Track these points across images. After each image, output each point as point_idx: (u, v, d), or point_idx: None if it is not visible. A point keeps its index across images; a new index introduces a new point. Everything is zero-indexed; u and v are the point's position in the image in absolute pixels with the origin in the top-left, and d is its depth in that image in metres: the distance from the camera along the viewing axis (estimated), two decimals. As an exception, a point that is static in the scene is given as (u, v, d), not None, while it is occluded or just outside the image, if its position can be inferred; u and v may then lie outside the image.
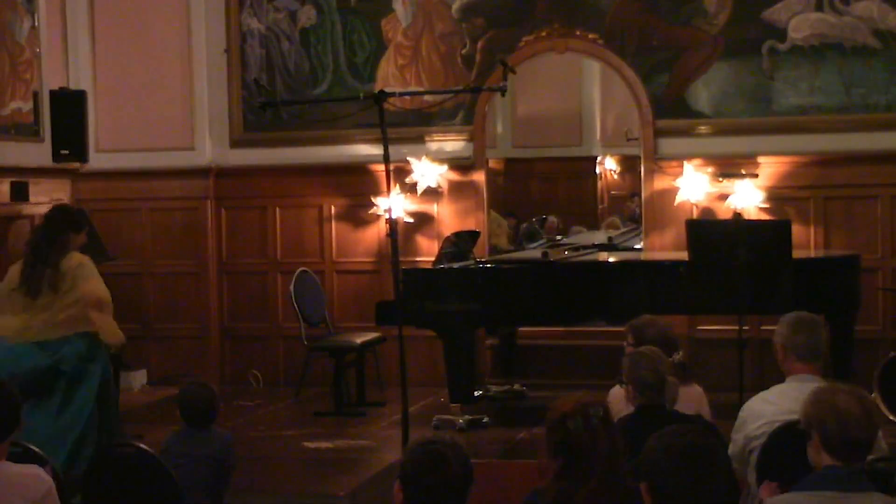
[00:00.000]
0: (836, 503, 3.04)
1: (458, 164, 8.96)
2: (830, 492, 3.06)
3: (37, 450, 4.14)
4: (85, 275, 6.37)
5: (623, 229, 10.70)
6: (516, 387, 8.48)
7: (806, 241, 8.29)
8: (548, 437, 3.12)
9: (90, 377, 6.40)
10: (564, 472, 3.04)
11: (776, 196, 8.39)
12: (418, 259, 8.85)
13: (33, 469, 3.63)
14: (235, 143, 9.37)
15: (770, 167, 8.43)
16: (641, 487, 2.90)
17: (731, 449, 4.09)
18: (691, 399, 4.79)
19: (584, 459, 3.01)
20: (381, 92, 5.79)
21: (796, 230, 7.77)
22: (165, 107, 9.34)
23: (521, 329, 8.89)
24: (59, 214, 6.47)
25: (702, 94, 8.58)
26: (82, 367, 6.39)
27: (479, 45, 8.91)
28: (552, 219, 11.35)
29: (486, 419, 7.55)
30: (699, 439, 2.88)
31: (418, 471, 2.91)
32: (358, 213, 9.13)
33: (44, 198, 7.66)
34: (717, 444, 2.93)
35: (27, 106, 7.74)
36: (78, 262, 6.35)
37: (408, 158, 8.82)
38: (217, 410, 4.92)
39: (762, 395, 4.28)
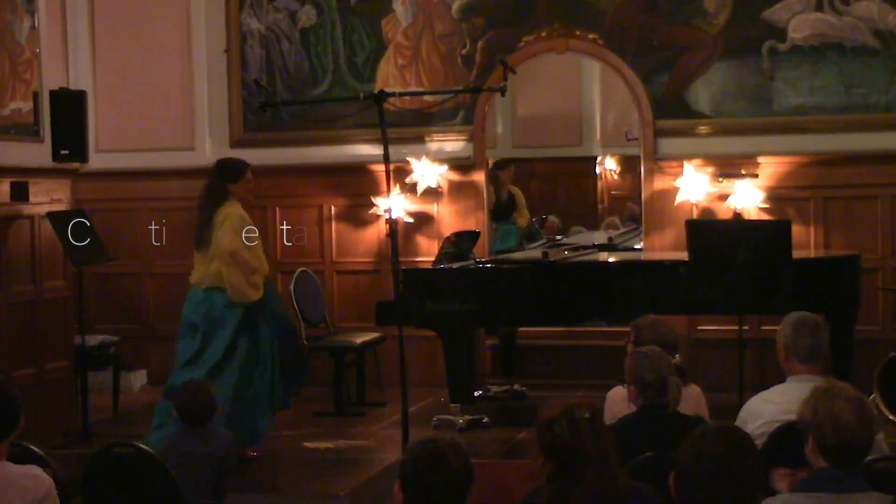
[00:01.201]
0: (834, 504, 3.05)
1: (458, 164, 8.96)
2: (827, 493, 3.06)
3: (37, 450, 4.14)
4: (225, 228, 6.60)
5: (623, 229, 10.69)
6: (516, 387, 8.47)
7: (806, 241, 8.29)
8: (537, 441, 3.13)
9: (217, 339, 6.59)
10: (557, 473, 3.05)
11: (776, 196, 8.39)
12: (418, 259, 8.85)
13: (33, 469, 3.63)
14: (235, 143, 9.37)
15: (770, 167, 8.43)
16: (670, 477, 2.93)
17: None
18: (689, 400, 4.79)
19: (572, 461, 3.02)
20: (381, 92, 5.79)
21: (796, 230, 7.77)
22: (165, 107, 9.34)
23: (521, 329, 8.89)
24: (215, 167, 6.83)
25: (702, 94, 8.58)
26: (209, 327, 6.61)
27: (479, 45, 8.91)
28: (552, 219, 11.34)
29: (486, 419, 7.55)
30: (728, 451, 2.89)
31: (418, 470, 2.91)
32: (358, 213, 9.13)
33: (44, 198, 7.64)
34: (747, 457, 2.92)
35: (27, 106, 7.72)
36: (224, 215, 6.60)
37: (408, 158, 8.82)
38: (213, 409, 4.92)
39: (762, 395, 4.28)
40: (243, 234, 6.61)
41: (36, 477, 3.56)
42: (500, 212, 10.36)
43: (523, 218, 10.66)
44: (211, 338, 6.63)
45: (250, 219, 6.83)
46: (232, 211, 6.67)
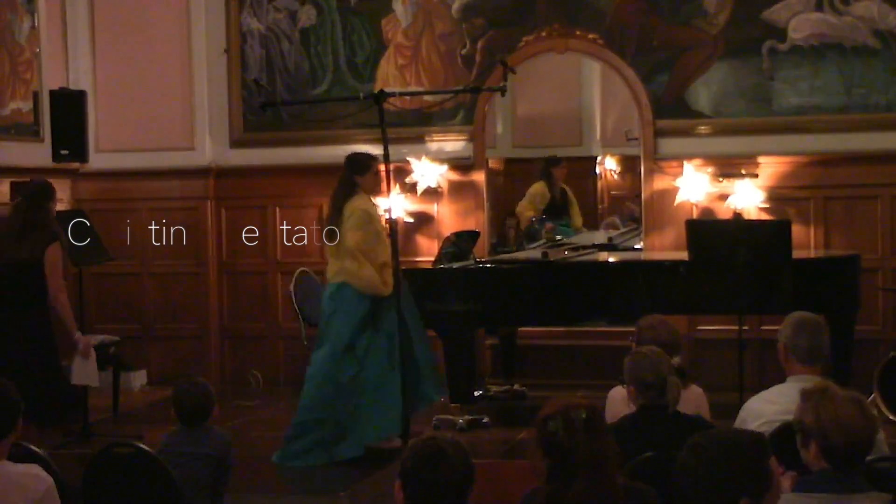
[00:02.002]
0: (836, 505, 3.05)
1: (458, 164, 8.96)
2: (828, 493, 3.06)
3: (37, 450, 4.14)
4: (349, 224, 6.70)
5: (623, 229, 10.69)
6: (516, 387, 8.47)
7: (806, 241, 8.29)
8: (535, 437, 3.14)
9: (331, 334, 6.73)
10: (552, 472, 3.05)
11: (776, 196, 8.39)
12: (418, 259, 8.85)
13: (33, 468, 3.63)
14: (235, 143, 9.37)
15: (770, 167, 8.43)
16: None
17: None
18: (690, 400, 4.79)
19: (566, 460, 3.02)
20: (381, 92, 5.80)
21: (796, 230, 7.77)
22: (165, 107, 9.34)
23: (521, 329, 8.88)
24: (346, 160, 6.91)
25: (702, 94, 8.58)
26: (327, 322, 6.76)
27: (479, 45, 8.91)
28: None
29: (486, 419, 7.55)
30: (726, 442, 2.90)
31: (417, 467, 2.91)
32: (358, 213, 9.11)
33: (44, 198, 7.66)
34: (740, 450, 2.92)
35: (27, 106, 7.74)
36: (351, 210, 6.70)
37: (408, 158, 8.82)
38: (210, 408, 4.90)
39: (762, 394, 4.29)
40: (367, 229, 6.73)
41: (36, 476, 3.56)
42: (554, 211, 10.38)
43: (579, 218, 10.67)
44: (331, 327, 6.76)
45: (376, 213, 6.89)
46: (358, 205, 6.74)
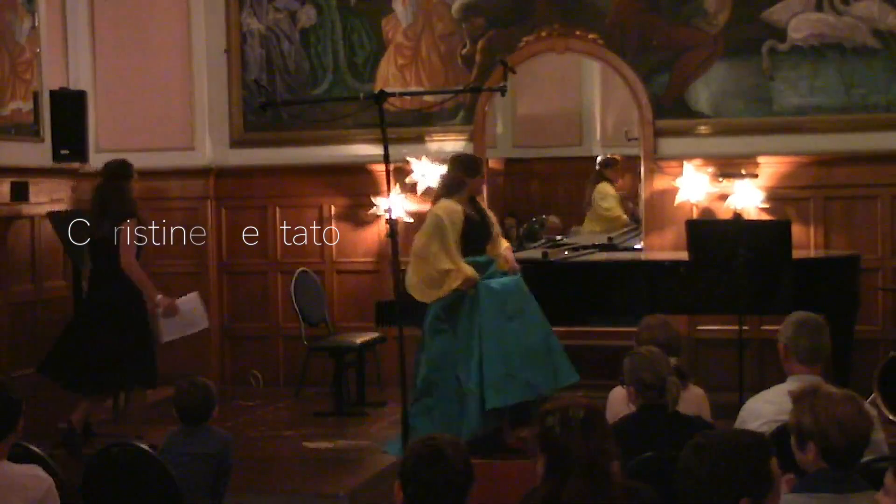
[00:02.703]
0: (836, 504, 3.05)
1: (458, 164, 8.95)
2: (829, 493, 3.05)
3: (37, 450, 4.14)
4: (423, 227, 6.80)
5: (623, 229, 10.69)
6: (516, 387, 8.45)
7: (806, 241, 8.29)
8: (534, 433, 3.16)
9: (426, 324, 6.80)
10: (549, 470, 3.07)
11: (776, 196, 8.39)
12: (418, 259, 8.83)
13: (33, 469, 3.63)
14: (235, 143, 9.37)
15: (770, 167, 8.43)
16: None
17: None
18: (691, 402, 4.79)
19: (562, 458, 3.04)
20: (381, 92, 5.79)
21: (796, 230, 7.77)
22: (165, 107, 9.34)
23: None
24: (455, 160, 6.99)
25: (702, 94, 8.58)
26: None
27: (479, 45, 8.91)
28: (552, 219, 11.34)
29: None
30: (722, 440, 2.90)
31: (417, 466, 2.92)
32: (358, 213, 9.13)
33: (44, 198, 7.66)
34: (741, 450, 2.92)
35: (27, 106, 7.74)
36: (432, 213, 6.77)
37: (408, 158, 8.82)
38: (211, 408, 4.90)
39: (762, 394, 4.29)
40: (433, 237, 6.71)
41: (36, 476, 3.56)
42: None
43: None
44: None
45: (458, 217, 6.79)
46: (438, 208, 6.76)
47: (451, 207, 6.74)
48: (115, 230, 6.82)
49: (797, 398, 3.23)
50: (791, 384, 4.19)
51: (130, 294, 6.90)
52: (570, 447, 3.02)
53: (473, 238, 6.78)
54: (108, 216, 6.89)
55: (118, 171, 7.03)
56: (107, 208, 6.92)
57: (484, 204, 7.26)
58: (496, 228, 7.00)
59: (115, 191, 6.95)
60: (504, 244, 7.06)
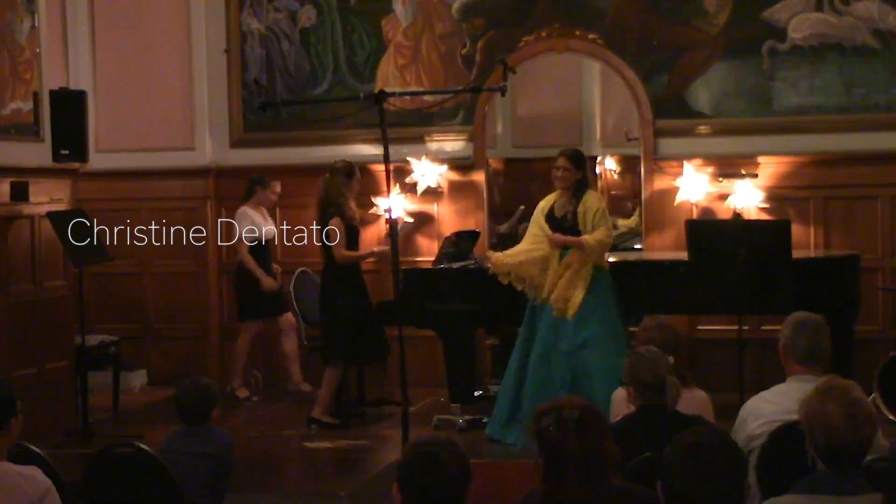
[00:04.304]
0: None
1: (458, 164, 8.96)
2: (827, 496, 3.05)
3: (37, 450, 4.14)
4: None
5: (623, 229, 10.69)
6: (516, 387, 8.46)
7: (806, 241, 8.29)
8: (531, 432, 3.17)
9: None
10: (547, 471, 3.07)
11: (776, 196, 8.39)
12: (418, 259, 8.85)
13: (32, 469, 3.62)
14: (235, 143, 9.38)
15: (770, 167, 8.43)
16: (657, 486, 2.94)
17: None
18: (695, 405, 4.77)
19: (558, 458, 3.04)
20: (381, 92, 5.79)
21: (796, 230, 7.77)
22: (165, 107, 9.34)
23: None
24: (580, 155, 7.19)
25: (702, 94, 8.58)
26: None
27: (479, 45, 8.91)
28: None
29: (486, 419, 7.53)
30: (707, 438, 2.91)
31: (414, 472, 2.92)
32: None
33: (44, 198, 7.64)
34: (729, 444, 2.94)
35: (27, 106, 7.72)
36: (600, 203, 6.95)
37: (408, 158, 8.82)
38: (212, 408, 4.90)
39: (762, 394, 4.29)
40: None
41: (34, 478, 3.55)
42: None
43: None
44: None
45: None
46: (601, 202, 7.03)
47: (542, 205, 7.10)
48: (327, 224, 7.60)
49: (811, 392, 3.23)
50: (791, 384, 4.20)
51: (344, 280, 7.71)
52: (565, 447, 3.02)
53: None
54: (327, 212, 7.65)
55: (338, 171, 7.73)
56: (325, 204, 7.68)
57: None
58: None
59: (331, 188, 7.67)
60: None
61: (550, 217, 6.98)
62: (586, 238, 6.81)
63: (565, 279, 6.82)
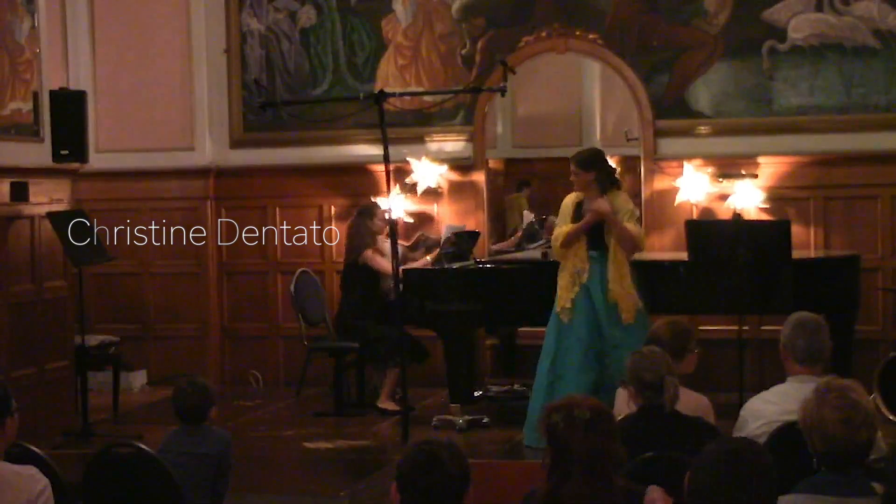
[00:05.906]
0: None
1: (458, 164, 8.96)
2: (828, 496, 3.05)
3: (36, 450, 4.14)
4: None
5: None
6: (516, 387, 8.46)
7: (806, 241, 8.29)
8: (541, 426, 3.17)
9: None
10: (553, 467, 3.07)
11: (776, 196, 8.39)
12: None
13: (29, 469, 3.61)
14: (235, 143, 9.38)
15: (770, 167, 8.43)
16: (685, 477, 2.92)
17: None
18: (697, 411, 4.76)
19: (564, 455, 3.04)
20: (381, 92, 5.81)
21: (796, 230, 7.77)
22: (165, 107, 9.34)
23: (521, 329, 8.88)
24: (601, 156, 7.08)
25: (702, 94, 8.58)
26: None
27: (479, 45, 8.91)
28: (552, 219, 11.33)
29: (486, 419, 7.54)
30: (747, 449, 2.92)
31: (412, 473, 2.92)
32: (358, 214, 9.12)
33: (44, 198, 7.64)
34: (767, 462, 2.92)
35: (27, 106, 7.71)
36: (627, 205, 6.79)
37: (408, 158, 8.82)
38: (209, 407, 4.89)
39: (762, 395, 4.29)
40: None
41: (31, 477, 3.54)
42: None
43: None
44: None
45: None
46: (629, 201, 6.87)
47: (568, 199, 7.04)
48: (357, 258, 8.01)
49: (811, 393, 3.22)
50: (791, 384, 4.20)
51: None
52: (572, 445, 3.03)
53: None
54: (353, 247, 8.10)
55: (362, 211, 8.22)
56: (351, 239, 8.16)
57: None
58: None
59: (356, 226, 8.14)
60: None
61: (578, 213, 6.82)
62: (628, 224, 6.67)
63: (613, 273, 6.71)
